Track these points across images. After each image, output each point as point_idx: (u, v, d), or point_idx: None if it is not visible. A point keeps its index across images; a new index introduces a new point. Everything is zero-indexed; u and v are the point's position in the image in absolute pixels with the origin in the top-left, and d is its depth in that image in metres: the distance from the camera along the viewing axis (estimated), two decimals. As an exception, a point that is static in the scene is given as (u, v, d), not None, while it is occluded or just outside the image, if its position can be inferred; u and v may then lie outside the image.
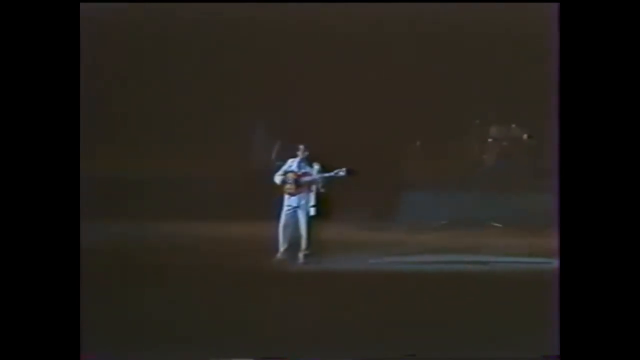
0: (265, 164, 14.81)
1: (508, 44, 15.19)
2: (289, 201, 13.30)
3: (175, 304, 10.39)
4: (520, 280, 11.73)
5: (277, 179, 13.37)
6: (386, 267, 13.10)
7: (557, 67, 8.51)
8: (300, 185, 13.27)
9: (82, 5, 8.94)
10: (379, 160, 15.55)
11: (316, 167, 13.32)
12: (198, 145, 15.82)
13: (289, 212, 13.27)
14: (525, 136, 16.79)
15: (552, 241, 8.49)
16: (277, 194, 13.32)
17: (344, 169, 13.18)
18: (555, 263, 8.92)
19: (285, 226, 13.24)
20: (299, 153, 13.39)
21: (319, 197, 13.28)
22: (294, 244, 13.24)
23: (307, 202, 13.25)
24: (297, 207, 13.25)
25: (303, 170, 13.33)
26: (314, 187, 13.27)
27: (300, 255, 13.22)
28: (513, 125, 17.10)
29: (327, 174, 13.25)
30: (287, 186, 13.30)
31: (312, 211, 13.23)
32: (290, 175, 13.32)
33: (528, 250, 13.50)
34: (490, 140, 17.23)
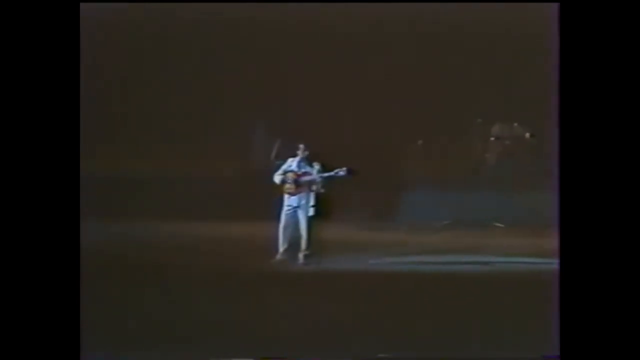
0: (265, 163, 14.82)
1: (508, 44, 15.20)
2: (288, 201, 13.23)
3: (175, 304, 10.39)
4: (523, 280, 11.71)
5: (277, 178, 13.28)
6: (387, 268, 13.07)
7: (557, 67, 8.51)
8: (300, 185, 13.18)
9: (82, 5, 8.93)
10: (379, 160, 15.56)
11: (316, 166, 13.24)
12: (198, 145, 15.85)
13: (289, 212, 13.20)
14: (527, 135, 16.79)
15: (555, 241, 8.48)
16: (277, 193, 13.28)
17: (344, 169, 13.09)
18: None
19: (285, 226, 13.18)
20: (299, 152, 13.31)
21: (319, 197, 13.21)
22: (293, 244, 13.18)
23: (307, 202, 13.18)
24: (297, 207, 13.18)
25: (303, 170, 13.24)
26: (314, 187, 13.20)
27: (300, 255, 13.17)
28: (513, 125, 17.12)
29: (327, 174, 13.17)
30: (287, 186, 13.22)
31: (312, 211, 13.16)
32: (290, 175, 13.23)
33: (531, 251, 13.47)
34: (491, 139, 17.26)
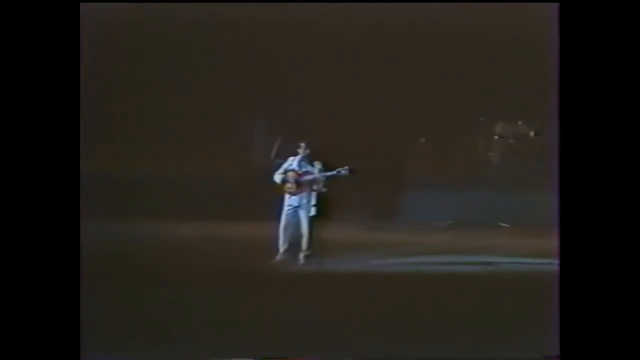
0: (265, 162, 14.80)
1: (508, 44, 15.20)
2: (289, 201, 13.11)
3: (175, 304, 10.38)
4: (526, 281, 11.67)
5: (277, 177, 13.17)
6: (389, 269, 13.03)
7: (557, 67, 8.51)
8: (301, 185, 13.07)
9: (82, 5, 8.94)
10: (381, 160, 15.54)
11: (317, 166, 13.12)
12: (198, 144, 15.84)
13: (289, 212, 13.09)
14: (532, 133, 16.77)
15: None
16: (277, 193, 13.22)
17: (346, 168, 12.99)
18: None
19: (285, 226, 13.07)
20: (300, 151, 13.19)
21: (320, 196, 13.11)
22: (294, 244, 13.09)
23: (308, 201, 13.06)
24: (298, 206, 13.07)
25: (304, 169, 13.12)
26: (315, 187, 13.08)
27: (301, 255, 13.05)
28: (515, 124, 17.10)
29: (328, 173, 13.05)
30: (288, 185, 13.11)
31: (313, 211, 13.05)
32: (291, 174, 13.12)
33: (534, 251, 13.41)
34: (494, 138, 17.24)
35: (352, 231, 14.99)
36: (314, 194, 13.12)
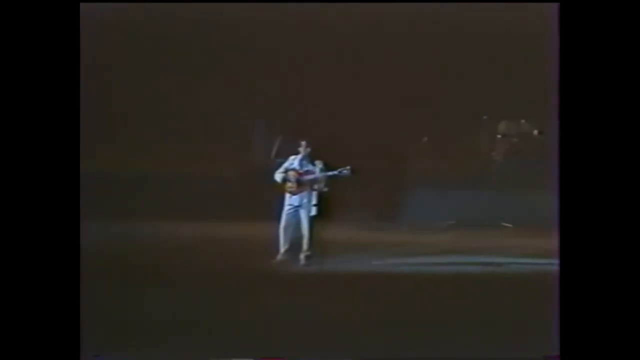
0: (266, 162, 14.79)
1: (508, 44, 15.20)
2: (290, 200, 13.05)
3: (175, 304, 10.38)
4: (529, 282, 11.64)
5: (278, 176, 13.09)
6: (390, 269, 12.99)
7: (557, 67, 8.51)
8: (302, 184, 12.99)
9: (82, 5, 8.94)
10: (382, 159, 15.53)
11: (319, 165, 13.03)
12: (198, 144, 15.84)
13: (290, 211, 13.03)
14: (535, 132, 16.73)
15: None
16: (278, 193, 13.18)
17: (347, 168, 12.90)
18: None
19: (286, 226, 13.01)
20: (301, 149, 13.10)
21: (321, 196, 13.02)
22: (295, 245, 13.02)
23: (309, 201, 12.98)
24: (299, 206, 13.01)
25: (305, 169, 13.04)
26: (316, 186, 12.99)
27: (302, 256, 12.99)
28: (515, 124, 17.09)
29: (330, 173, 12.97)
30: (289, 185, 13.04)
31: (314, 211, 12.97)
32: (292, 174, 13.04)
33: (537, 252, 13.36)
34: (495, 138, 17.22)
35: (354, 231, 14.97)
36: (314, 194, 13.02)
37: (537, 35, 12.68)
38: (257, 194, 13.86)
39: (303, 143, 13.16)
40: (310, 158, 13.12)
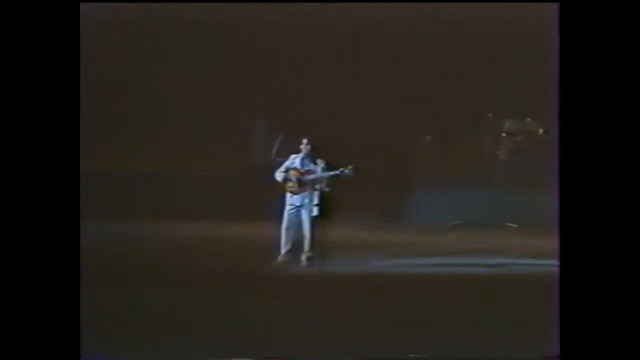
0: (267, 161, 14.78)
1: (508, 44, 15.21)
2: (291, 200, 12.93)
3: (175, 304, 10.38)
4: (531, 283, 11.61)
5: (279, 175, 12.96)
6: (393, 270, 12.93)
7: (557, 67, 8.51)
8: (303, 184, 12.87)
9: (82, 5, 8.94)
10: (385, 159, 15.52)
11: (320, 164, 12.91)
12: (199, 144, 15.85)
13: (291, 212, 12.91)
14: (541, 131, 16.70)
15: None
16: (279, 192, 13.10)
17: (350, 167, 12.78)
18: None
19: (287, 227, 12.89)
20: (302, 147, 12.96)
21: (323, 196, 12.89)
22: (296, 245, 12.91)
23: (311, 201, 12.85)
24: (300, 206, 12.89)
25: (307, 168, 12.91)
26: (318, 186, 12.86)
27: (303, 257, 12.89)
28: (518, 123, 17.08)
29: (332, 172, 12.83)
30: (290, 185, 12.91)
31: (316, 211, 12.84)
32: (293, 173, 12.92)
33: (543, 252, 13.27)
34: (500, 137, 17.21)
35: (356, 232, 14.93)
36: (316, 194, 12.88)
37: (537, 35, 12.69)
38: (257, 194, 13.82)
39: (304, 141, 13.01)
40: (312, 157, 12.98)
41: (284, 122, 15.44)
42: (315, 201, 12.90)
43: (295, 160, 13.04)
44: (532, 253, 13.57)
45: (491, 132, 17.24)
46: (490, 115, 16.95)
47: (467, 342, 9.36)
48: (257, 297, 10.73)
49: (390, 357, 9.12)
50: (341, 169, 12.85)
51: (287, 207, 12.99)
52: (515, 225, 15.71)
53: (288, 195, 13.01)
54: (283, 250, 12.94)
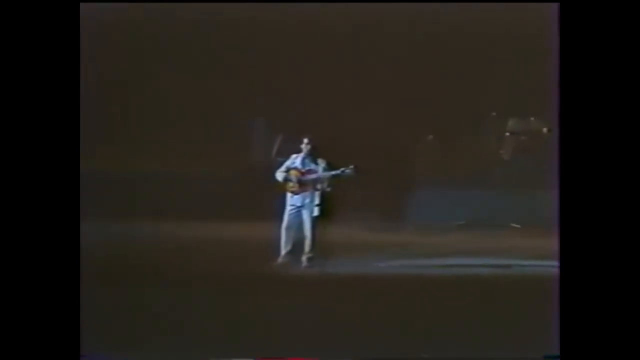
0: (268, 161, 14.76)
1: (508, 44, 15.20)
2: (292, 200, 12.88)
3: (175, 305, 10.38)
4: (533, 283, 11.59)
5: (279, 175, 12.93)
6: (395, 271, 12.90)
7: (557, 67, 8.51)
8: (304, 184, 12.83)
9: (82, 5, 8.94)
10: (387, 159, 15.50)
11: (322, 164, 12.87)
12: (199, 143, 15.84)
13: (292, 212, 12.86)
14: (545, 130, 16.66)
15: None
16: (279, 192, 13.08)
17: (351, 167, 12.74)
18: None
19: (288, 227, 12.83)
20: (303, 147, 12.93)
21: (324, 196, 12.84)
22: (297, 246, 12.86)
23: (312, 201, 12.80)
24: (301, 206, 12.84)
25: (307, 168, 12.87)
26: (319, 186, 12.81)
27: (304, 258, 12.82)
28: (522, 122, 17.05)
29: (333, 172, 12.78)
30: (290, 185, 12.87)
31: (317, 211, 12.79)
32: (294, 173, 12.88)
33: (543, 252, 13.24)
34: (504, 136, 17.17)
35: (357, 232, 14.88)
36: (317, 194, 12.83)
37: (537, 35, 12.69)
38: (258, 194, 13.81)
39: (305, 140, 12.97)
40: (313, 157, 12.94)
41: (284, 121, 15.41)
42: (316, 201, 12.84)
43: (296, 160, 13.01)
44: (534, 254, 13.53)
45: (492, 131, 17.21)
46: (490, 115, 16.93)
47: (468, 342, 9.36)
48: (258, 298, 10.72)
49: (390, 357, 9.12)
50: (342, 169, 12.80)
51: (288, 207, 12.93)
52: (519, 226, 15.66)
53: (289, 195, 12.96)
54: (283, 251, 12.88)
